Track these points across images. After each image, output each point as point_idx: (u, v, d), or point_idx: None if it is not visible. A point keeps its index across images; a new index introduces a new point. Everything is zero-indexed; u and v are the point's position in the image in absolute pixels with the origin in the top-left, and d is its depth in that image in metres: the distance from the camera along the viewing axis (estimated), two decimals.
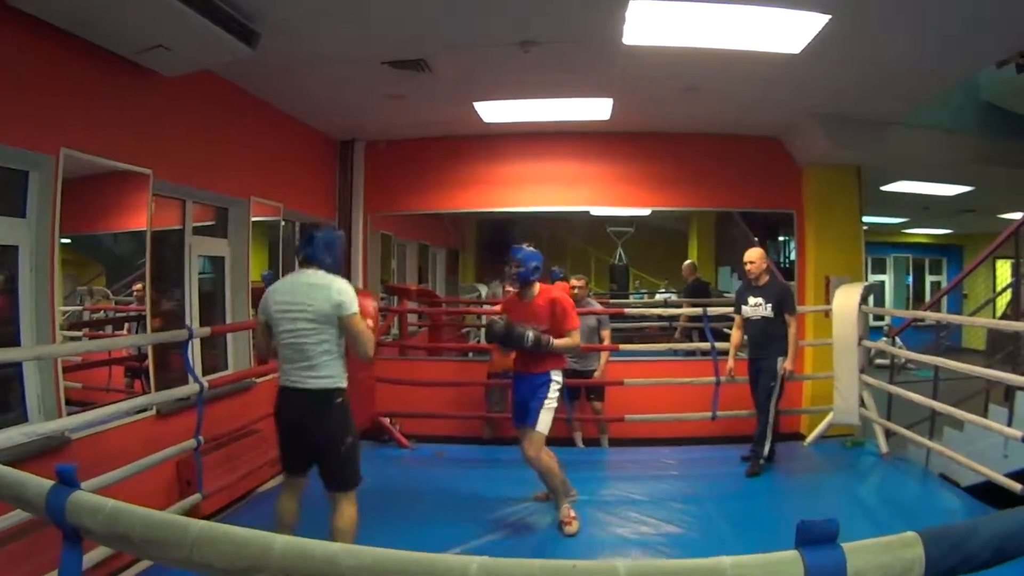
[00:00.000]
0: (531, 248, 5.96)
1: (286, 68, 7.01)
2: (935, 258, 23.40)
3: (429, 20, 6.00)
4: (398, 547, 1.59)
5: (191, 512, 5.87)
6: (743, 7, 5.69)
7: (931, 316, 7.91)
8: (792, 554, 1.48)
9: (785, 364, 7.34)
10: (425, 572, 1.53)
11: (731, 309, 7.88)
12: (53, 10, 4.74)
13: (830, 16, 5.74)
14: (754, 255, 7.56)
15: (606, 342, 8.66)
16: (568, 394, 7.94)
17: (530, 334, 5.65)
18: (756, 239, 11.19)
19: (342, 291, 4.47)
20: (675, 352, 10.20)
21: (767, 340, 7.43)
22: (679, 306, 11.59)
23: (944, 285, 22.62)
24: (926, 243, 22.76)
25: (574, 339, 5.91)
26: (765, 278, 7.53)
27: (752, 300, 7.51)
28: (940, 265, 23.50)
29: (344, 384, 4.59)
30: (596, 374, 8.63)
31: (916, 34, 6.24)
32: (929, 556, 1.48)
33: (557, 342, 5.80)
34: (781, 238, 11.47)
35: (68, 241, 5.45)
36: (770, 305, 7.36)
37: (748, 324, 7.60)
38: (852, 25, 5.94)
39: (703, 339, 8.91)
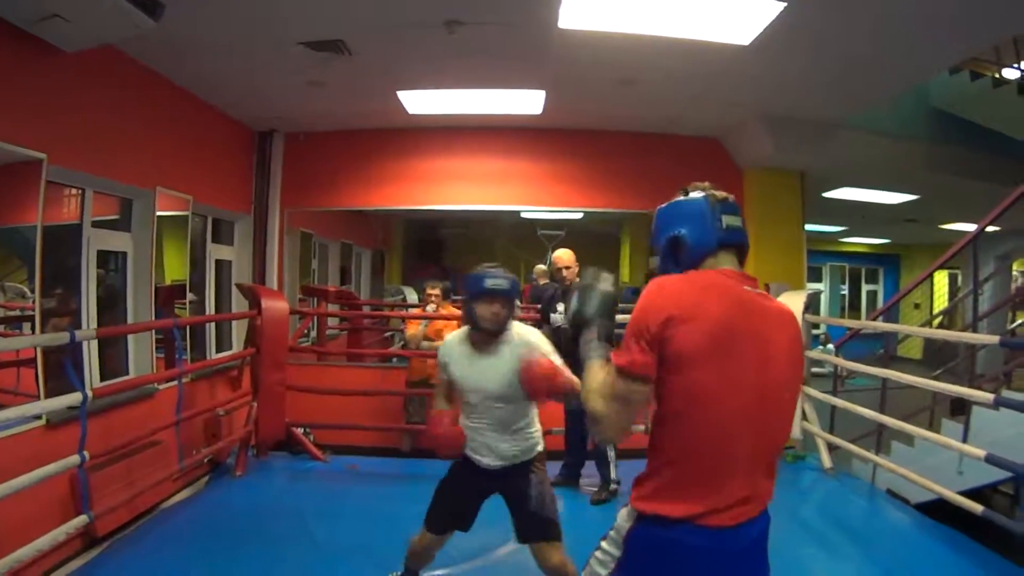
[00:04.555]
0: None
1: (196, 47, 6.52)
2: (871, 267, 23.70)
3: None
4: None
5: (82, 535, 5.46)
6: None
7: (879, 326, 7.61)
8: None
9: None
10: None
11: None
12: None
13: (785, 4, 5.38)
14: (568, 259, 6.88)
15: None
16: None
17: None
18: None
19: None
20: None
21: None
22: None
23: (880, 294, 22.89)
24: (863, 252, 23.02)
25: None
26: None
27: (560, 307, 6.86)
28: (876, 274, 23.78)
29: None
30: None
31: (877, 30, 5.95)
32: None
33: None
34: None
35: None
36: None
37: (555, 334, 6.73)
38: (808, 16, 5.62)
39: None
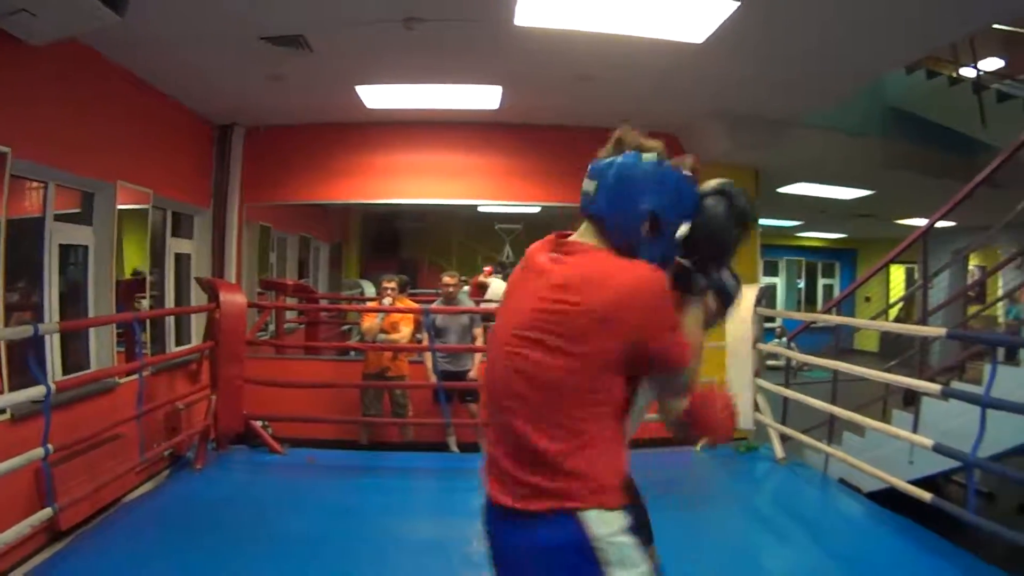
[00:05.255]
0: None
1: (160, 41, 6.49)
2: (828, 262, 23.93)
3: None
4: None
5: (45, 529, 5.45)
6: None
7: (830, 319, 7.75)
8: None
9: None
10: None
11: None
12: None
13: (739, 3, 5.44)
14: None
15: (479, 341, 8.34)
16: (444, 396, 7.69)
17: None
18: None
19: None
20: None
21: None
22: None
23: (837, 288, 23.13)
24: (819, 247, 23.18)
25: None
26: None
27: None
28: (833, 269, 24.02)
29: None
30: (471, 374, 8.31)
31: (831, 29, 6.03)
32: None
33: None
34: None
35: None
36: None
37: None
38: (762, 15, 5.67)
39: None
